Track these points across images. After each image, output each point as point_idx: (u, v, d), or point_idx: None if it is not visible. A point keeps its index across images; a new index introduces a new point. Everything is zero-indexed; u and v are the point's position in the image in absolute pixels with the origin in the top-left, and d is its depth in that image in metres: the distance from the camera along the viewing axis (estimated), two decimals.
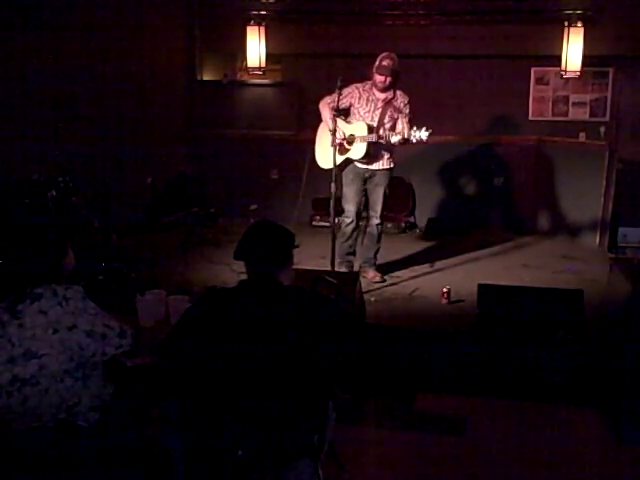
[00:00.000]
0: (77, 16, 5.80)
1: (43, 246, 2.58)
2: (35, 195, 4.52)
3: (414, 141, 4.94)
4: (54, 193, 4.57)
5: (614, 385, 3.72)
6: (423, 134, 4.87)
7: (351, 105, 5.18)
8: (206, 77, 7.88)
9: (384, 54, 5.10)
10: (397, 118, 5.16)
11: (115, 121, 6.22)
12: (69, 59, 5.72)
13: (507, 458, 3.36)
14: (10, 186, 4.57)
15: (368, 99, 5.15)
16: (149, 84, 6.85)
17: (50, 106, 5.52)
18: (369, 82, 5.15)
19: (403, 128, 5.09)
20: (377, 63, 5.07)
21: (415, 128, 4.91)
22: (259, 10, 7.30)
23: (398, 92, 5.18)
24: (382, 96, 5.15)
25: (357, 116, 5.16)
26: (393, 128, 5.15)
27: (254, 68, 7.36)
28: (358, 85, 5.18)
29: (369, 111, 5.14)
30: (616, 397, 3.67)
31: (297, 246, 2.60)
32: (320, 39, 7.26)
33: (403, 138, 4.96)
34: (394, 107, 5.15)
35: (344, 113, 5.20)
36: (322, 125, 5.33)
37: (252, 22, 7.27)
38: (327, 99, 5.22)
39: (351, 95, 5.16)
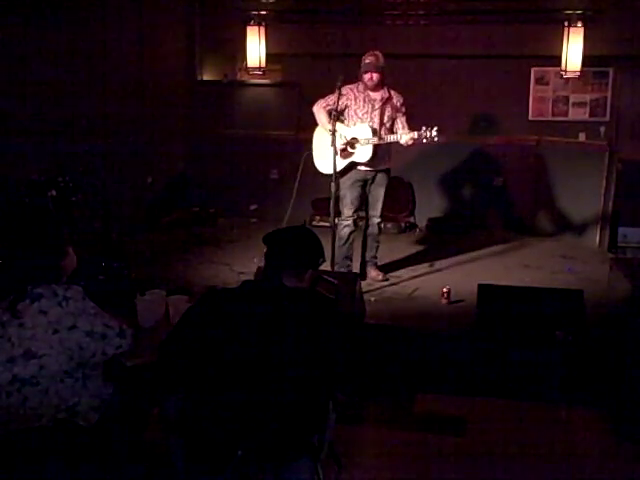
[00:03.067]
0: (77, 16, 5.81)
1: (43, 246, 2.58)
2: (35, 195, 4.52)
3: (424, 141, 4.90)
4: (54, 193, 4.57)
5: (614, 385, 3.72)
6: (434, 133, 4.84)
7: (347, 107, 5.14)
8: (206, 77, 7.88)
9: (369, 52, 5.08)
10: (395, 117, 5.16)
11: (115, 121, 6.23)
12: (69, 59, 5.72)
13: (507, 458, 3.36)
14: (10, 186, 4.57)
15: (364, 100, 5.12)
16: (149, 84, 6.85)
17: (50, 106, 5.52)
18: (360, 84, 5.13)
19: (404, 127, 5.10)
20: (362, 63, 5.07)
21: (424, 128, 4.88)
22: (259, 10, 7.31)
23: (392, 92, 5.18)
24: (378, 96, 5.13)
25: (355, 118, 5.12)
26: (392, 128, 5.14)
27: (254, 68, 7.37)
28: (352, 87, 5.14)
29: (367, 112, 5.11)
30: (616, 397, 3.67)
31: (322, 261, 2.62)
32: (320, 39, 7.26)
33: (413, 138, 4.91)
34: (391, 107, 5.15)
35: (340, 115, 5.15)
36: (318, 130, 5.28)
37: (252, 22, 7.28)
38: (321, 102, 5.18)
39: (347, 97, 5.12)
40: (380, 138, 5.02)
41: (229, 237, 6.78)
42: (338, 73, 5.00)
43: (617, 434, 3.54)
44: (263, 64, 7.36)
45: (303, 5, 7.33)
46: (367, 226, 5.40)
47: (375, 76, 5.04)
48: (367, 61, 5.03)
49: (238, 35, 7.35)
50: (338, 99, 4.93)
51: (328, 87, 5.14)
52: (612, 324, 4.33)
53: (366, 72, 5.04)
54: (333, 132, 4.86)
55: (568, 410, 3.80)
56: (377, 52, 5.08)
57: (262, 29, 7.29)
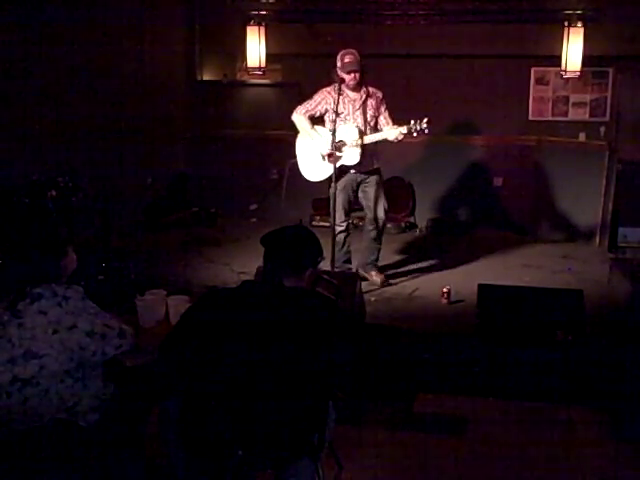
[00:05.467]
0: (77, 16, 5.80)
1: (43, 246, 2.58)
2: (35, 195, 4.52)
3: (415, 134, 4.83)
4: (54, 193, 4.57)
5: (614, 385, 3.72)
6: (424, 125, 4.76)
7: (327, 111, 5.03)
8: (206, 77, 7.88)
9: (343, 51, 4.94)
10: (378, 115, 5.05)
11: (115, 121, 6.22)
12: (69, 59, 5.72)
13: (507, 458, 3.36)
14: (10, 186, 4.56)
15: (344, 101, 4.98)
16: (149, 84, 6.85)
17: (50, 106, 5.51)
18: (336, 85, 4.92)
19: (388, 123, 4.98)
20: (340, 63, 4.91)
21: (412, 121, 4.80)
22: (259, 10, 7.31)
23: (370, 89, 5.05)
24: (357, 95, 5.02)
25: (337, 121, 4.93)
26: (376, 126, 5.04)
27: (254, 68, 7.37)
28: (329, 89, 5.01)
29: (349, 113, 5.00)
30: (616, 397, 3.67)
31: (321, 259, 2.62)
32: (320, 39, 7.26)
33: (402, 133, 4.82)
34: (372, 104, 5.04)
35: (318, 121, 5.06)
36: (300, 137, 5.19)
37: (252, 22, 7.28)
38: (300, 109, 5.11)
39: (325, 101, 5.02)
40: (366, 137, 4.92)
41: (229, 237, 6.77)
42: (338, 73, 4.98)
43: (617, 434, 3.54)
44: (263, 64, 7.36)
45: (303, 5, 7.32)
46: (367, 229, 5.30)
47: (358, 75, 4.91)
48: (347, 60, 4.87)
49: (238, 35, 7.35)
50: (338, 100, 4.86)
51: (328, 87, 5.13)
52: (612, 324, 4.33)
53: (350, 72, 4.87)
54: (333, 132, 4.83)
55: (568, 410, 3.80)
56: (352, 50, 4.93)
57: (262, 29, 7.29)
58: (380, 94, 5.09)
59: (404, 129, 4.84)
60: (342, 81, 4.94)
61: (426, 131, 4.80)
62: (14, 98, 5.24)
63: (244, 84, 7.70)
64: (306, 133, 5.14)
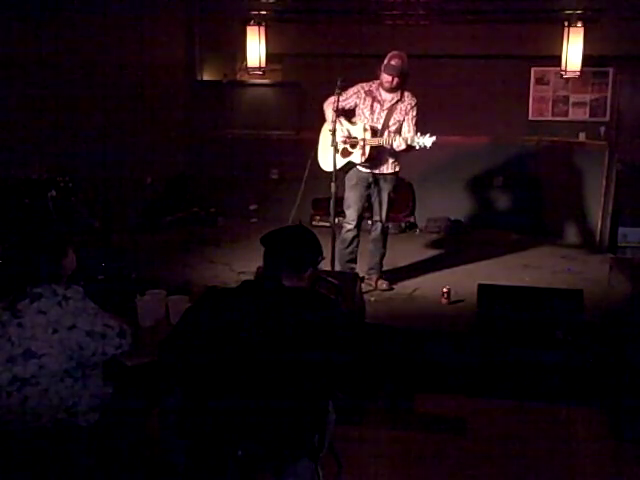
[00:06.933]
0: (77, 16, 5.81)
1: (43, 246, 2.58)
2: (35, 195, 4.52)
3: (417, 148, 4.77)
4: (54, 193, 4.57)
5: (614, 385, 3.72)
6: (427, 141, 4.70)
7: (356, 105, 5.02)
8: (206, 77, 7.89)
9: (394, 53, 4.92)
10: (403, 121, 5.01)
11: (115, 121, 6.22)
12: (69, 58, 5.72)
13: (507, 458, 3.36)
14: (10, 186, 4.57)
15: (374, 100, 4.99)
16: (149, 84, 6.85)
17: (50, 106, 5.52)
18: (376, 82, 4.99)
19: (407, 132, 4.94)
20: (386, 62, 4.89)
21: (419, 134, 4.76)
22: (259, 10, 7.32)
23: (406, 93, 5.01)
24: (389, 97, 4.99)
25: (362, 117, 5.00)
26: (399, 131, 5.00)
27: (254, 68, 7.38)
28: (364, 85, 5.01)
29: (374, 112, 4.99)
30: (616, 396, 3.67)
31: (321, 259, 2.62)
32: (320, 39, 7.26)
33: (406, 144, 4.78)
34: (401, 109, 5.00)
35: (350, 113, 5.06)
36: (325, 126, 5.19)
37: (252, 22, 7.29)
38: (332, 99, 5.03)
39: (357, 95, 5.01)
40: (379, 140, 4.90)
41: (229, 237, 6.77)
42: (338, 73, 4.97)
43: (617, 434, 3.54)
44: (263, 64, 7.37)
45: (303, 5, 7.33)
46: (372, 231, 5.27)
47: (396, 81, 4.89)
48: (392, 63, 4.86)
49: (238, 35, 7.35)
50: (338, 100, 4.85)
51: (328, 87, 5.12)
52: (612, 324, 4.33)
53: (390, 74, 4.87)
54: (333, 132, 4.80)
55: (568, 410, 3.80)
56: (404, 55, 4.91)
57: (262, 29, 7.30)
58: (413, 101, 5.02)
59: (408, 140, 4.77)
60: (380, 79, 4.93)
61: (428, 147, 4.74)
62: (14, 98, 5.24)
63: (244, 84, 7.70)
64: (328, 123, 5.07)
